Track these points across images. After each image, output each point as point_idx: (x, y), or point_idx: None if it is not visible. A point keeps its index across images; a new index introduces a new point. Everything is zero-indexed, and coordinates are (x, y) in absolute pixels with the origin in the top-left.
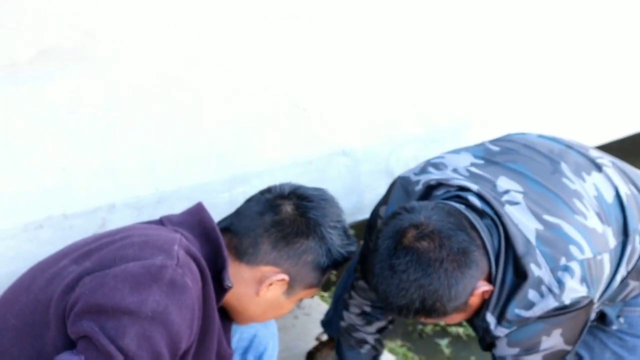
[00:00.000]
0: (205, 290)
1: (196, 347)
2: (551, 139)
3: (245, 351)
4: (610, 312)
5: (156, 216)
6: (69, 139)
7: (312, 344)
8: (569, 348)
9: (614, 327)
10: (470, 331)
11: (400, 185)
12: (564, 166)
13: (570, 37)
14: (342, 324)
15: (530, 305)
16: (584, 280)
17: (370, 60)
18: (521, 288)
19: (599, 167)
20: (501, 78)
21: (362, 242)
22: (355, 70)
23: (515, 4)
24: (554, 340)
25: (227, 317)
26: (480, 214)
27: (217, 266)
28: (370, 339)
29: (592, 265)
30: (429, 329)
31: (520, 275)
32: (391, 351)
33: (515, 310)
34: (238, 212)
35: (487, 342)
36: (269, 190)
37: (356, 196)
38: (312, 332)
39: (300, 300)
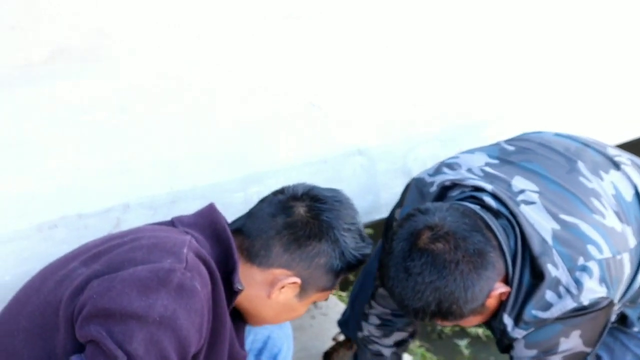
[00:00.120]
0: (215, 293)
1: (207, 351)
2: (568, 137)
3: (260, 352)
4: (632, 314)
5: (171, 216)
6: (83, 139)
7: (329, 344)
8: (588, 350)
9: (635, 329)
10: (490, 332)
11: (415, 187)
12: (580, 165)
13: (587, 33)
14: (359, 334)
15: (547, 306)
16: (603, 280)
17: (386, 59)
18: (538, 289)
19: (617, 165)
20: (518, 75)
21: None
22: (371, 69)
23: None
24: (572, 342)
25: (241, 318)
26: (496, 214)
27: (227, 268)
28: (387, 351)
29: (611, 265)
30: (448, 329)
31: (537, 276)
32: (410, 352)
33: (532, 311)
34: (250, 214)
35: (505, 344)
36: (282, 191)
37: (372, 195)
38: (329, 332)
39: (314, 303)
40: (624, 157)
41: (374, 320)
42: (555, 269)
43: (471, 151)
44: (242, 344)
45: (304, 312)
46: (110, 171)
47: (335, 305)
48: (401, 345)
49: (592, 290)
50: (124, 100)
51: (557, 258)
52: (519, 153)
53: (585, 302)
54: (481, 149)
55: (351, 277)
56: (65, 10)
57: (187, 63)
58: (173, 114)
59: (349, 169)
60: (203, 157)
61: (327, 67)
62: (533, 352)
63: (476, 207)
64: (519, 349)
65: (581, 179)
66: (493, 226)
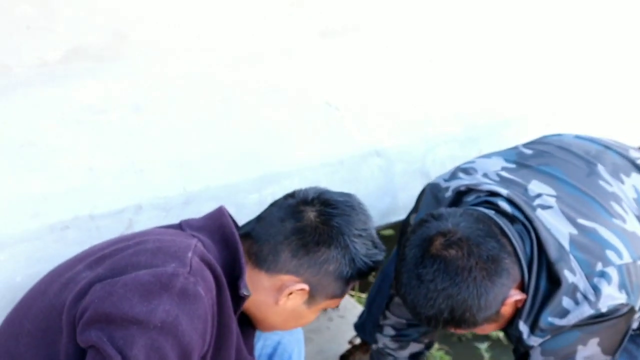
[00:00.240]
0: (221, 299)
1: (212, 357)
2: (588, 140)
3: (269, 358)
4: None
5: (184, 217)
6: (97, 139)
7: (345, 347)
8: (608, 358)
9: None
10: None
11: (430, 192)
12: (600, 168)
13: (613, 31)
14: (374, 347)
15: (564, 313)
16: (622, 286)
17: (404, 58)
18: (555, 295)
19: (639, 168)
20: (541, 74)
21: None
22: (388, 69)
23: (549, 2)
24: (590, 350)
25: (250, 323)
26: (511, 219)
27: (234, 273)
28: None
29: (631, 271)
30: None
31: (554, 282)
32: (429, 355)
33: (548, 318)
34: (260, 218)
35: (521, 351)
36: (292, 195)
37: (390, 197)
38: (346, 334)
39: (325, 310)
40: None
41: (389, 331)
42: (572, 275)
43: (488, 155)
44: (250, 350)
45: (313, 319)
46: (123, 172)
47: (353, 307)
48: (417, 357)
49: (611, 296)
50: (139, 100)
51: (574, 264)
52: (537, 156)
53: (604, 309)
54: (498, 153)
55: (371, 278)
56: (81, 11)
57: (203, 64)
58: (187, 114)
59: (366, 170)
60: (217, 158)
61: (344, 66)
62: None
63: (491, 213)
64: (535, 357)
65: (601, 182)
66: (508, 232)
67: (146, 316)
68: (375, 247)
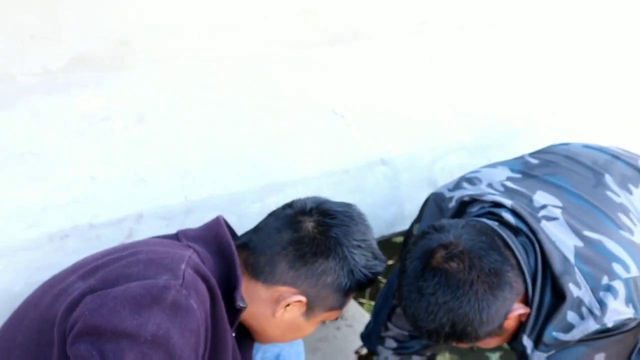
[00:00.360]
0: (215, 311)
1: None
2: (597, 149)
3: None
4: None
5: (185, 226)
6: (99, 147)
7: (352, 357)
8: None
9: None
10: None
11: (434, 202)
12: (608, 178)
13: (623, 44)
14: (375, 359)
15: (569, 327)
16: (629, 300)
17: (411, 67)
18: (559, 309)
19: None
20: (552, 82)
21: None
22: (397, 77)
23: (564, 11)
24: None
25: (249, 335)
26: (515, 231)
27: (231, 284)
28: None
29: (639, 285)
30: None
31: (559, 295)
32: None
33: (552, 333)
34: (258, 228)
35: None
36: (290, 204)
37: (396, 206)
38: (353, 344)
39: (324, 322)
40: None
41: (391, 343)
42: (577, 289)
43: (493, 165)
44: None
45: (311, 332)
46: (125, 181)
47: (362, 316)
48: None
49: (617, 311)
50: (142, 109)
51: (579, 277)
52: (543, 166)
53: (610, 324)
54: (504, 163)
55: (381, 285)
56: (85, 20)
57: (206, 72)
58: (190, 123)
59: (371, 179)
60: (220, 166)
61: (351, 74)
62: None
63: (494, 224)
64: None
65: (608, 193)
66: (511, 244)
67: (136, 329)
68: (375, 258)
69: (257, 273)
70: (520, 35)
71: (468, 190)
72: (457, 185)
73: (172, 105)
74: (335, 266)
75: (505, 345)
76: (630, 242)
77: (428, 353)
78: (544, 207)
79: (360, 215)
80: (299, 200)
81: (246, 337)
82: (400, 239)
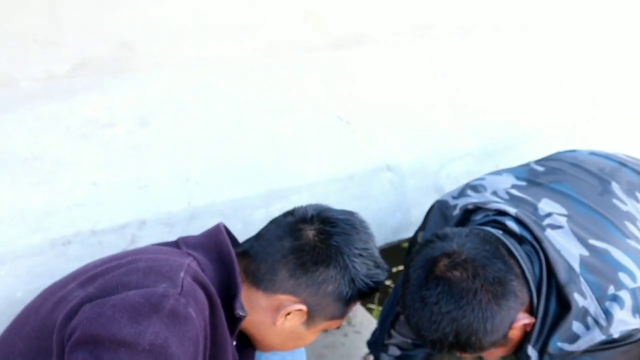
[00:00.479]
0: (215, 320)
1: None
2: (603, 156)
3: None
4: None
5: (189, 233)
6: (102, 153)
7: None
8: None
9: None
10: None
11: (438, 210)
12: (614, 186)
13: (632, 48)
14: None
15: (574, 338)
16: (636, 311)
17: (417, 72)
18: (564, 319)
19: None
20: (560, 86)
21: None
22: (400, 82)
23: (571, 14)
24: None
25: (250, 343)
26: (519, 239)
27: (231, 292)
28: None
29: None
30: None
31: (564, 305)
32: None
33: (557, 343)
34: (259, 235)
35: None
36: (292, 212)
37: (402, 213)
38: (361, 351)
39: (325, 330)
40: None
41: (394, 351)
42: (582, 299)
43: (498, 172)
44: None
45: (313, 340)
46: (127, 186)
47: (369, 323)
48: None
49: (623, 321)
50: (145, 114)
51: (584, 287)
52: (549, 174)
53: (616, 335)
54: (509, 170)
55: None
56: (89, 24)
57: (211, 76)
58: (194, 128)
59: (377, 185)
60: (224, 172)
61: (355, 79)
62: None
63: (498, 232)
64: None
65: (615, 201)
66: (516, 252)
67: (134, 338)
68: (377, 267)
69: (257, 281)
70: (527, 38)
71: (472, 198)
72: (461, 192)
73: (175, 110)
74: (336, 275)
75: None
76: (637, 251)
77: None
78: (549, 215)
79: (362, 223)
80: (300, 208)
81: (247, 345)
82: (405, 245)
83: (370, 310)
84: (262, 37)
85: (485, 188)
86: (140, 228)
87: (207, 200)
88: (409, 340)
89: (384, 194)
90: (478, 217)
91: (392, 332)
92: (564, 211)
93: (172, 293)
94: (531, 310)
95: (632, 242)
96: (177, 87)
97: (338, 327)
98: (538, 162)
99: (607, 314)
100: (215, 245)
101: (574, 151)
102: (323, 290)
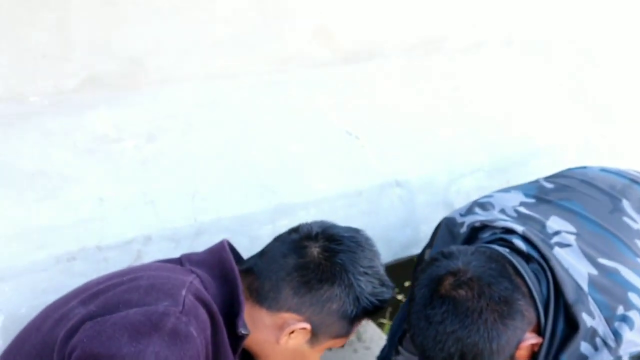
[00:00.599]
0: (217, 338)
1: None
2: (614, 173)
3: None
4: None
5: (195, 248)
6: (109, 168)
7: None
8: None
9: None
10: None
11: (446, 227)
12: (625, 204)
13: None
14: None
15: (582, 359)
16: None
17: (427, 87)
18: (572, 340)
19: None
20: (571, 102)
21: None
22: (412, 96)
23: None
24: None
25: None
26: (526, 258)
27: (234, 310)
28: None
29: None
30: None
31: (572, 325)
32: None
33: None
34: (263, 252)
35: None
36: (296, 229)
37: (411, 229)
38: None
39: (329, 349)
40: None
41: None
42: (590, 319)
43: (507, 190)
44: None
45: (317, 359)
46: (134, 202)
47: (380, 339)
48: None
49: (633, 342)
50: (153, 129)
51: (593, 306)
52: (558, 191)
53: (625, 357)
54: (518, 187)
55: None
56: (97, 39)
57: (219, 92)
58: (201, 143)
59: (386, 201)
60: (231, 188)
61: (365, 94)
62: None
63: (505, 251)
64: None
65: (625, 219)
66: (523, 271)
67: (134, 357)
68: (383, 285)
69: (261, 299)
70: (539, 53)
71: (479, 216)
72: (469, 210)
73: (183, 125)
74: (340, 293)
75: None
76: None
77: None
78: (557, 233)
79: (367, 240)
80: (305, 225)
81: None
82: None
83: (381, 325)
84: (271, 52)
85: (493, 206)
86: (145, 244)
87: (213, 215)
88: (416, 358)
89: (393, 209)
90: (485, 235)
91: (400, 348)
92: (573, 229)
93: (173, 311)
94: (538, 330)
95: None
96: (185, 102)
97: (342, 346)
98: (548, 178)
99: (616, 335)
100: (219, 262)
101: (584, 168)
102: (327, 309)
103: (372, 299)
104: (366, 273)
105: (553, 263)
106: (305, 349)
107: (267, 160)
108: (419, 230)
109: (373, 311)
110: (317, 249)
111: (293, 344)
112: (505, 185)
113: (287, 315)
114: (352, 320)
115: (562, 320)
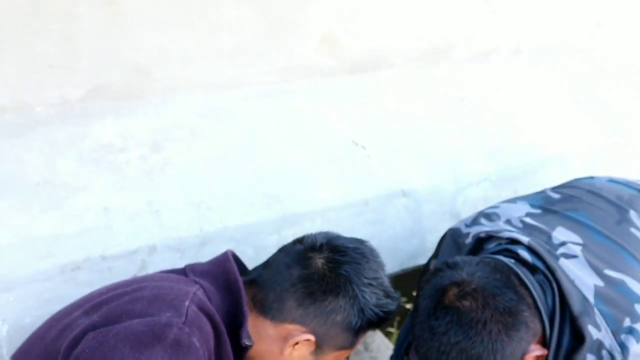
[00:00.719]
0: (220, 350)
1: None
2: (622, 184)
3: None
4: None
5: (200, 258)
6: (114, 178)
7: None
8: None
9: None
10: None
11: (451, 237)
12: (632, 214)
13: None
14: None
15: None
16: None
17: (434, 96)
18: (578, 352)
19: None
20: (578, 111)
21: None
22: (418, 106)
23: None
24: None
25: None
26: (532, 269)
27: (238, 321)
28: None
29: None
30: None
31: (578, 337)
32: None
33: None
34: (267, 263)
35: None
36: (301, 240)
37: (417, 239)
38: None
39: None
40: None
41: None
42: (597, 331)
43: (513, 200)
44: None
45: None
46: (139, 212)
47: (387, 348)
48: None
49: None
50: (158, 139)
51: (599, 318)
52: (565, 201)
53: None
54: (524, 198)
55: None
56: (103, 49)
57: (225, 101)
58: (207, 153)
59: (392, 211)
60: (236, 197)
61: (371, 103)
62: None
63: (510, 262)
64: None
65: (632, 230)
66: (528, 282)
67: None
68: (387, 296)
69: (265, 310)
70: (546, 62)
71: (485, 227)
72: (474, 220)
73: (189, 135)
74: (345, 305)
75: None
76: None
77: None
78: (563, 244)
79: (372, 251)
80: (309, 236)
81: None
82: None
83: (389, 334)
84: (277, 62)
85: (498, 216)
86: (150, 254)
87: (218, 225)
88: None
89: (399, 219)
90: (490, 245)
91: (406, 359)
92: (579, 240)
93: (175, 322)
94: (544, 342)
95: None
96: (191, 112)
97: (347, 358)
98: (554, 189)
99: (623, 348)
100: (223, 273)
101: (592, 178)
102: (332, 320)
103: (377, 310)
104: (371, 284)
105: (559, 274)
106: None
107: (272, 170)
108: (425, 240)
109: (378, 323)
110: (322, 260)
111: (297, 356)
112: (512, 195)
113: (291, 327)
114: (357, 331)
115: (567, 332)
